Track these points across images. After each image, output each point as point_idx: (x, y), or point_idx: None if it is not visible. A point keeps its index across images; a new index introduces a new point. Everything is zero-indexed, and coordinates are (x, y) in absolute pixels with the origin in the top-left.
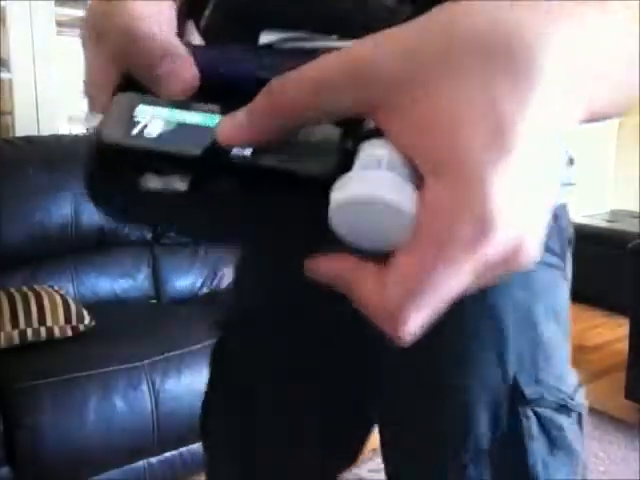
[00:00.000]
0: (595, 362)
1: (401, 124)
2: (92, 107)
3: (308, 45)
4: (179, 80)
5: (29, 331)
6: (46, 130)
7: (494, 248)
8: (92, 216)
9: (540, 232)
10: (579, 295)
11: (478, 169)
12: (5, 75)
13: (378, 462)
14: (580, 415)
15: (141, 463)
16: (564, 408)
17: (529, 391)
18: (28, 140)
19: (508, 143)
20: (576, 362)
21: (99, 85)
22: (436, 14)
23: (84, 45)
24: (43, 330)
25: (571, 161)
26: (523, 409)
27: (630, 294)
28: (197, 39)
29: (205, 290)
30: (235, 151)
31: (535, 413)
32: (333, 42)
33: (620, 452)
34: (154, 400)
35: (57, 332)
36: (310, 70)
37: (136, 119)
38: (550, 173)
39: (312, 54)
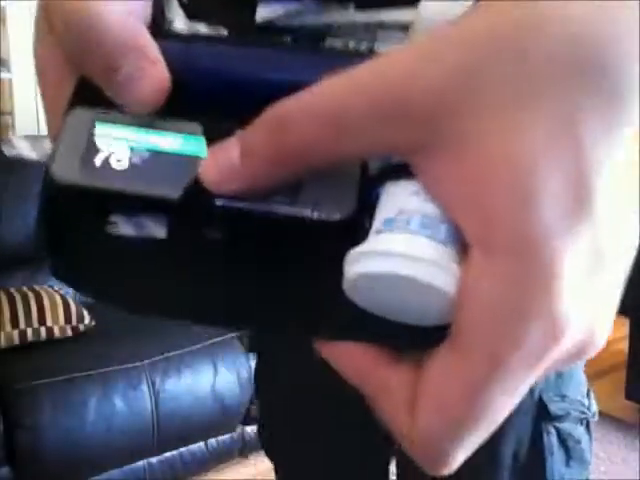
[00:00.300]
0: (595, 362)
1: (446, 171)
2: (48, 125)
3: (323, 21)
4: (144, 85)
5: (29, 331)
6: (46, 130)
7: (561, 351)
8: None
9: (612, 315)
10: None
11: (552, 252)
12: (5, 75)
13: None
14: (589, 422)
15: (141, 463)
16: (583, 420)
17: (554, 408)
18: (28, 140)
19: (590, 208)
20: None
21: (53, 95)
22: (500, 15)
23: (35, 36)
24: (43, 330)
25: None
26: (546, 425)
27: (630, 294)
28: (176, 14)
29: None
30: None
31: (556, 428)
32: (352, 15)
33: (620, 452)
34: (154, 400)
35: (57, 332)
36: (328, 96)
37: (96, 146)
38: (626, 255)
39: (333, 53)
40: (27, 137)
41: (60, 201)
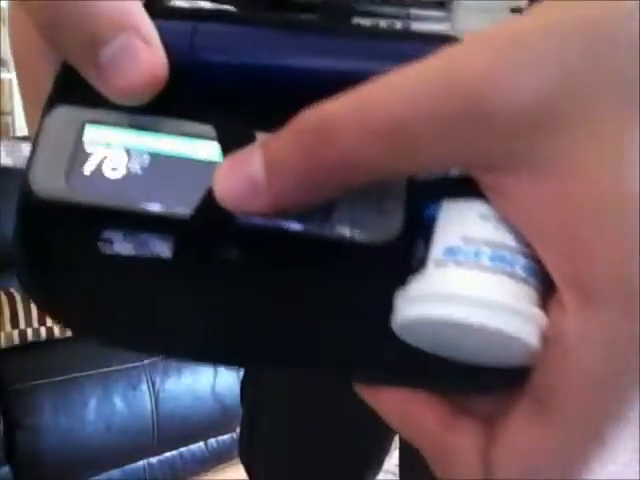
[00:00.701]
0: None
1: (532, 193)
2: (28, 122)
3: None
4: (134, 69)
5: (29, 331)
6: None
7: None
8: None
9: None
10: None
11: None
12: (5, 75)
13: None
14: None
15: (141, 463)
16: None
17: None
18: (28, 140)
19: None
20: None
21: (31, 85)
22: (607, 8)
23: (9, 13)
24: (43, 330)
25: None
26: None
27: None
28: None
29: None
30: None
31: None
32: None
33: None
34: (154, 400)
35: (57, 332)
36: (385, 102)
37: (85, 150)
38: None
39: (377, 35)
40: (1, 140)
41: (41, 218)
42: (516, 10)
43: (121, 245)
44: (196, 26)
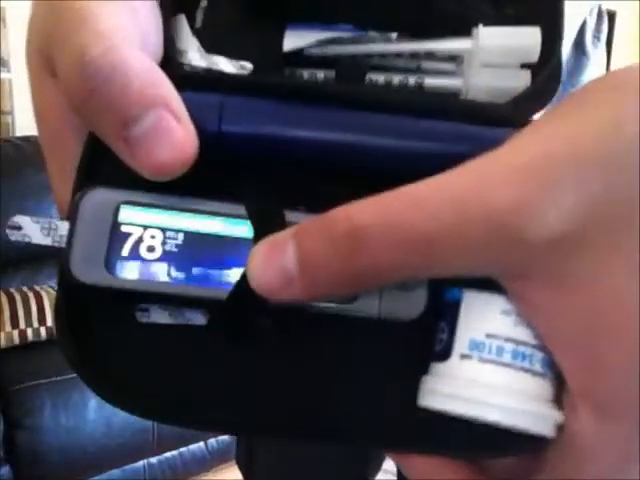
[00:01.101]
0: None
1: (551, 302)
2: (54, 189)
3: (361, 51)
4: (166, 146)
5: (29, 331)
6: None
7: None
8: None
9: None
10: None
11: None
12: (5, 75)
13: None
14: None
15: (141, 463)
16: None
17: None
18: (28, 140)
19: None
20: None
21: (58, 153)
22: (623, 135)
23: (30, 82)
24: (43, 330)
25: None
26: None
27: None
28: (190, 44)
29: None
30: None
31: None
32: (396, 45)
33: None
34: None
35: None
36: (419, 216)
37: (121, 232)
38: None
39: (399, 107)
40: (34, 218)
41: (82, 299)
42: (526, 65)
43: (157, 314)
44: (223, 102)
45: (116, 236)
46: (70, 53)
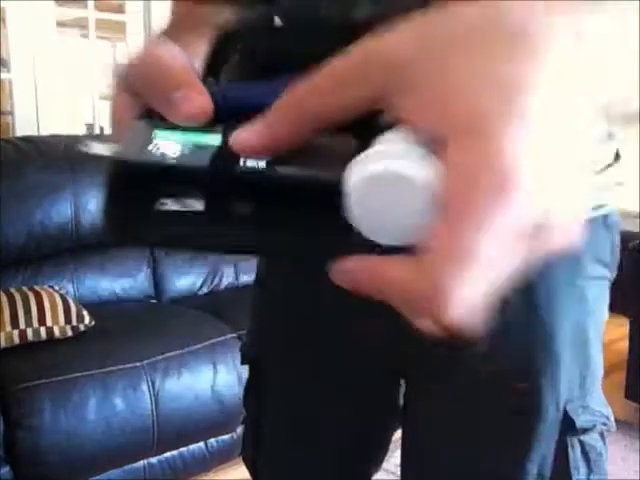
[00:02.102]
0: None
1: (419, 101)
2: (113, 134)
3: None
4: (192, 105)
5: (29, 331)
6: (46, 130)
7: (521, 211)
8: (92, 216)
9: (576, 215)
10: None
11: (495, 129)
12: (5, 75)
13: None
14: (604, 433)
15: (141, 463)
16: (604, 432)
17: (579, 420)
18: (28, 140)
19: (522, 110)
20: None
21: (121, 119)
22: (442, 7)
23: (112, 91)
24: (43, 330)
25: (617, 156)
26: (571, 439)
27: (630, 294)
28: None
29: (205, 290)
30: (248, 162)
31: (580, 442)
32: None
33: (620, 452)
34: (154, 400)
35: (57, 332)
36: (327, 70)
37: (152, 142)
38: (576, 152)
39: None
40: (96, 138)
41: (121, 177)
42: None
43: (171, 204)
44: (225, 94)
45: (148, 141)
46: (139, 64)
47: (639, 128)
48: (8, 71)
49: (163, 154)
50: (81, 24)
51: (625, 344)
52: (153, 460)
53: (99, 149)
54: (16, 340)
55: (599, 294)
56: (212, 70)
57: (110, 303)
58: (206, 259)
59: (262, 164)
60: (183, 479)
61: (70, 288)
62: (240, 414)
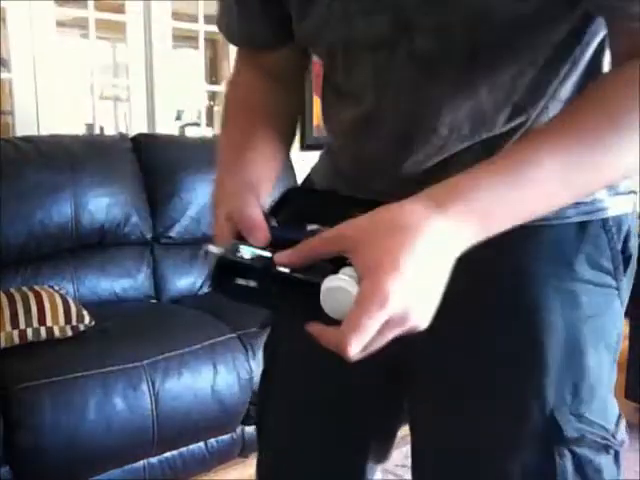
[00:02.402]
0: None
1: (359, 257)
2: (216, 242)
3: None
4: (258, 238)
5: (29, 331)
6: (46, 130)
7: (391, 314)
8: (92, 216)
9: (425, 313)
10: None
11: (383, 275)
12: (5, 75)
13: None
14: (618, 452)
15: (141, 463)
16: (603, 447)
17: (568, 428)
18: (28, 140)
19: (402, 267)
20: None
21: (220, 234)
22: (379, 213)
23: (212, 206)
24: (43, 330)
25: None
26: (559, 448)
27: (630, 294)
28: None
29: (205, 290)
30: (280, 268)
31: (572, 452)
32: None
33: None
34: (154, 400)
35: (57, 332)
36: (324, 237)
37: (239, 250)
38: (440, 278)
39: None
40: (210, 241)
41: (220, 266)
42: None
43: (241, 281)
44: (279, 232)
45: (237, 250)
46: (229, 202)
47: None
48: (8, 71)
49: (242, 257)
50: (81, 24)
51: (625, 344)
52: (153, 460)
53: (213, 249)
54: (16, 340)
55: (600, 302)
56: (274, 211)
57: (110, 303)
58: (206, 259)
59: (287, 270)
60: (183, 479)
61: (70, 288)
62: (240, 414)
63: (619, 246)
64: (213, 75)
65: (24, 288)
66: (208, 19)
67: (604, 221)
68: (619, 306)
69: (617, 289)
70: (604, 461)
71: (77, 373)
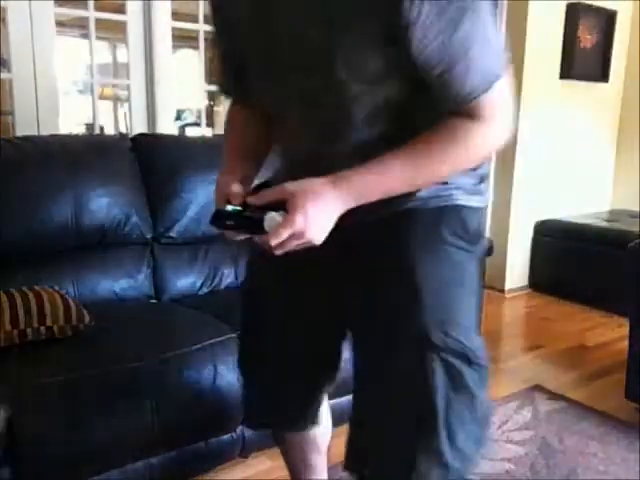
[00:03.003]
0: (595, 362)
1: (290, 201)
2: (217, 205)
3: None
4: (235, 200)
5: (29, 331)
6: (46, 130)
7: (295, 230)
8: (92, 216)
9: (316, 236)
10: (579, 295)
11: (296, 213)
12: (5, 75)
13: None
14: (481, 370)
15: (141, 463)
16: (464, 357)
17: (436, 339)
18: (28, 140)
19: (307, 210)
20: (576, 362)
21: (219, 199)
22: (306, 181)
23: (215, 190)
24: (43, 330)
25: (482, 179)
26: (430, 354)
27: (630, 294)
28: None
29: (205, 290)
30: (245, 214)
31: (440, 358)
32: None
33: (620, 452)
34: (154, 400)
35: (57, 332)
36: (278, 189)
37: (226, 206)
38: (328, 220)
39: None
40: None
41: (216, 214)
42: None
43: (228, 221)
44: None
45: (226, 206)
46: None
47: (638, 131)
48: (8, 71)
49: (227, 209)
50: (81, 24)
51: (625, 344)
52: (153, 460)
53: (215, 207)
54: (16, 340)
55: (463, 260)
56: (256, 189)
57: (110, 303)
58: (206, 259)
59: (249, 214)
60: (183, 479)
61: (70, 288)
62: (240, 414)
63: (472, 224)
64: (213, 75)
65: (24, 288)
66: (208, 19)
67: (458, 207)
68: (476, 264)
69: (473, 252)
70: (465, 369)
71: (77, 373)
